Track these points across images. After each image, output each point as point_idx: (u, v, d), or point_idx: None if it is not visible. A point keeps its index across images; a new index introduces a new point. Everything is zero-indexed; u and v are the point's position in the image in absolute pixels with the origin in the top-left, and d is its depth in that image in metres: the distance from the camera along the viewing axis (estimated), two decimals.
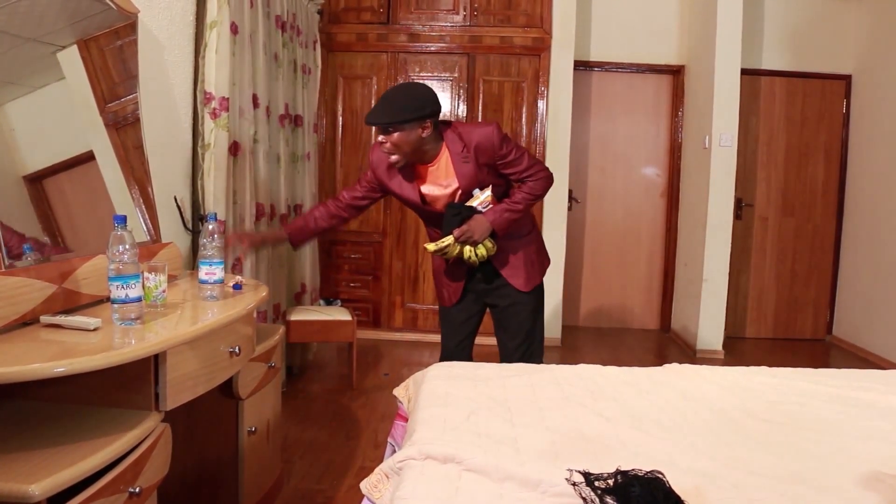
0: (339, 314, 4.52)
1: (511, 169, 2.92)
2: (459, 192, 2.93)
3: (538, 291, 3.16)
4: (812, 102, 6.34)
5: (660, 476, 1.34)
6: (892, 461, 1.72)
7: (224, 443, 2.65)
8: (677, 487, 1.39)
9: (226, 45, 3.40)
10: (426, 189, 2.95)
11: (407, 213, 5.76)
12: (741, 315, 6.46)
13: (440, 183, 2.93)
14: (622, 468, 1.38)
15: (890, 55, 5.70)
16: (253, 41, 3.78)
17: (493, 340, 3.23)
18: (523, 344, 3.13)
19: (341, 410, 4.16)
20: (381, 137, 2.77)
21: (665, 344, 6.18)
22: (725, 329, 5.88)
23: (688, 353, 5.82)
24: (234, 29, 3.48)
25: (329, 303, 5.06)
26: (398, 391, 2.45)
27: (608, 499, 1.30)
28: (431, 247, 2.92)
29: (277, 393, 3.05)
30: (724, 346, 5.81)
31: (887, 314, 5.55)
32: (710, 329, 5.77)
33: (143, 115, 2.83)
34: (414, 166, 2.93)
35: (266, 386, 2.82)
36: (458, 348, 3.22)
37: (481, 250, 2.89)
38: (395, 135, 2.73)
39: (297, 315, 4.42)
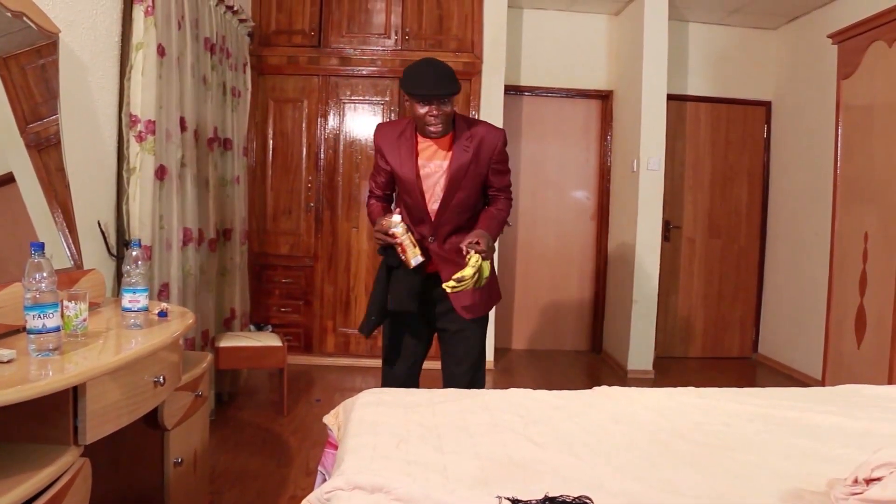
0: (269, 340, 4.45)
1: (496, 178, 3.02)
2: (445, 177, 2.96)
3: (485, 319, 3.16)
4: (735, 127, 6.55)
5: (588, 501, 1.34)
6: (812, 477, 1.76)
7: (149, 475, 2.56)
8: None
9: (152, 67, 3.34)
10: (423, 163, 3.00)
11: (339, 237, 5.72)
12: (671, 335, 6.59)
13: (436, 160, 2.99)
14: (550, 494, 1.38)
15: (805, 82, 5.93)
16: (181, 63, 3.73)
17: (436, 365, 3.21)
18: (470, 370, 3.12)
19: (272, 438, 4.08)
20: (434, 110, 2.81)
21: (597, 365, 6.25)
22: (656, 349, 5.99)
23: (619, 373, 5.90)
24: (162, 51, 3.43)
25: (260, 328, 4.98)
26: (328, 419, 2.41)
27: None
28: (453, 284, 2.72)
29: (205, 422, 2.98)
30: (655, 366, 5.91)
31: (808, 332, 5.73)
32: (641, 349, 5.87)
33: (65, 136, 2.76)
34: (416, 142, 2.99)
35: (193, 415, 2.75)
36: (408, 374, 3.20)
37: (487, 266, 2.81)
38: (449, 105, 2.84)
39: (227, 341, 4.34)
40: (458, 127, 2.96)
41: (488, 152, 2.94)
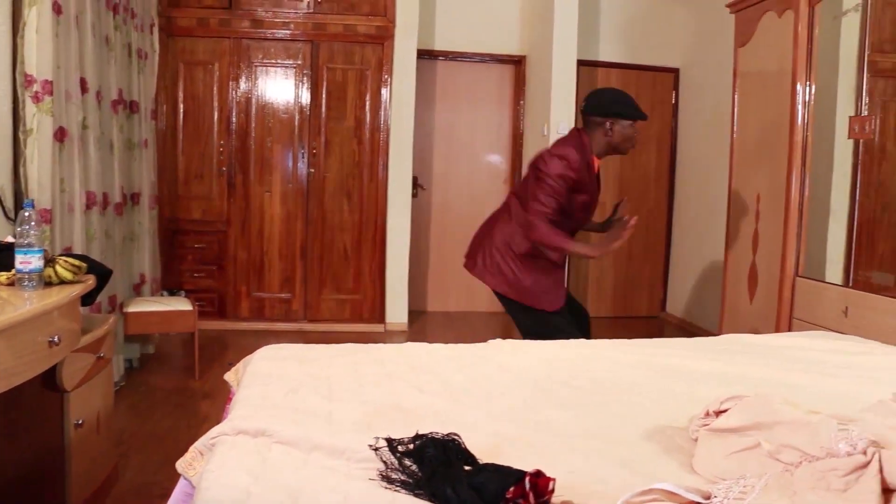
0: (180, 304, 4.44)
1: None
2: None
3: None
4: (645, 93, 6.72)
5: (455, 438, 1.43)
6: (679, 417, 1.89)
7: (49, 437, 2.56)
8: (476, 448, 1.48)
9: (48, 24, 3.27)
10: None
11: (251, 201, 5.70)
12: (581, 295, 6.77)
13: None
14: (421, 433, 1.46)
15: (710, 50, 6.13)
16: (80, 22, 3.65)
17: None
18: None
19: (183, 401, 4.10)
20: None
21: (510, 326, 6.38)
22: None
23: None
24: (58, 8, 3.35)
25: (172, 293, 4.95)
26: (228, 375, 2.47)
27: (406, 461, 1.38)
28: None
29: (108, 384, 2.98)
30: None
31: (710, 290, 5.98)
32: None
33: None
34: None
35: (95, 377, 2.75)
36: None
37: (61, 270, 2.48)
38: None
39: (136, 306, 4.31)
40: None
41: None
